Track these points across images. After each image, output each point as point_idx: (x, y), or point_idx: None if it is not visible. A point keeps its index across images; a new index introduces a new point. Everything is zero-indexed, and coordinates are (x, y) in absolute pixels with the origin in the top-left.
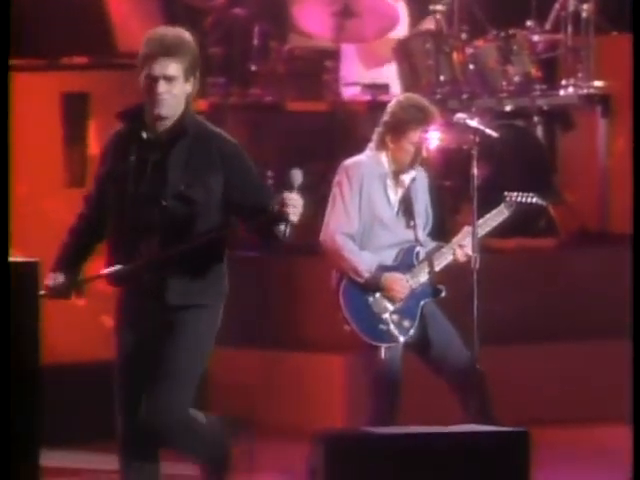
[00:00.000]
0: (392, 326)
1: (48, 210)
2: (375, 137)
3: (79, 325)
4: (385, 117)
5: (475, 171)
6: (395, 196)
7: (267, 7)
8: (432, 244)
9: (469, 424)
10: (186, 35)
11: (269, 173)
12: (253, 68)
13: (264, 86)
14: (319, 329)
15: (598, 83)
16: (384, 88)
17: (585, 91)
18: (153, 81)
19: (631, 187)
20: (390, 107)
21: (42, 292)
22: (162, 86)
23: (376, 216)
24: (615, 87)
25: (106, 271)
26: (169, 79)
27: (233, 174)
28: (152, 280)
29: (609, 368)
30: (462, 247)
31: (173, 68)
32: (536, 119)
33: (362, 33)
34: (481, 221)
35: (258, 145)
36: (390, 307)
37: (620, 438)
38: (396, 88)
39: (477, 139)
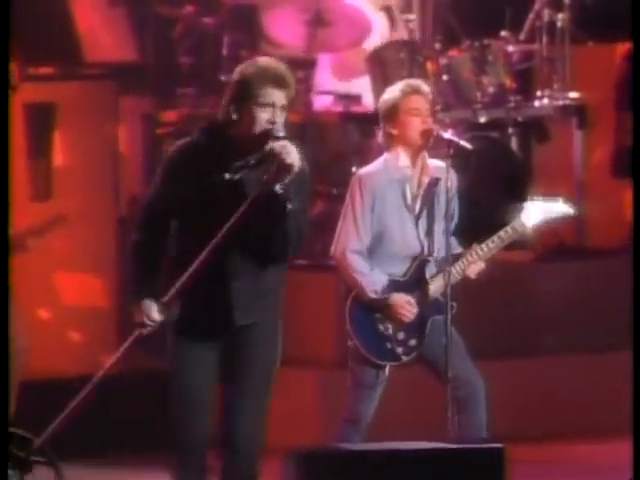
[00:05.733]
0: (397, 345)
1: (12, 225)
2: (382, 137)
3: (46, 340)
4: (381, 111)
5: (449, 183)
6: (415, 199)
7: (237, 16)
8: (458, 248)
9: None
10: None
11: None
12: (223, 78)
13: None
14: (293, 344)
15: (574, 94)
16: (356, 99)
17: (560, 102)
18: (269, 107)
19: (614, 198)
20: (382, 99)
21: (142, 330)
22: (279, 116)
23: (389, 228)
24: (591, 98)
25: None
26: (283, 109)
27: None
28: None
29: (588, 381)
30: (472, 263)
31: (286, 100)
32: (511, 130)
33: (334, 42)
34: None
35: None
36: (396, 325)
37: (617, 454)
38: (369, 99)
39: (451, 151)
